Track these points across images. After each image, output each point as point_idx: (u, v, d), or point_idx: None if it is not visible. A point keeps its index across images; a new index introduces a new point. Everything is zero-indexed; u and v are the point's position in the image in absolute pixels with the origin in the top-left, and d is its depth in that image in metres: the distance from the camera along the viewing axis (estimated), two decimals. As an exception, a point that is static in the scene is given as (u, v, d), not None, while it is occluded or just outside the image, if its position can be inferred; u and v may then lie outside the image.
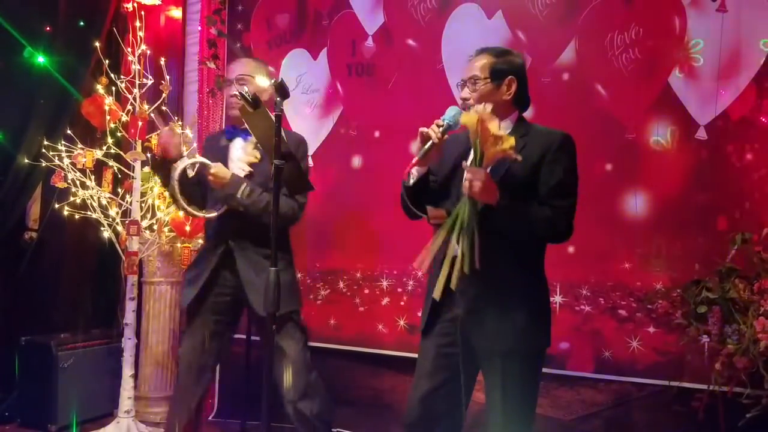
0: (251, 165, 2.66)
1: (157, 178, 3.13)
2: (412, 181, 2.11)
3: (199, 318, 2.69)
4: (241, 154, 2.68)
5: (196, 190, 2.69)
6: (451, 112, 2.06)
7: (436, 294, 2.02)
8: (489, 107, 1.96)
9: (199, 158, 2.65)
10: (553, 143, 2.06)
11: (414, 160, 2.03)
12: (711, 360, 2.60)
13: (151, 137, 3.53)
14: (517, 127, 2.13)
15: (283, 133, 2.01)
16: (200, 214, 2.65)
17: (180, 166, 2.56)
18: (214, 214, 2.64)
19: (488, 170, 1.98)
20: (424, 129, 2.03)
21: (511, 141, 1.92)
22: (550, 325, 2.14)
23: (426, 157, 2.03)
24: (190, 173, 2.64)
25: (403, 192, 2.13)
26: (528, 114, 3.18)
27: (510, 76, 2.10)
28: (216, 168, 2.55)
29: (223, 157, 2.69)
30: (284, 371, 2.61)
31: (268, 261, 2.00)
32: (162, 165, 2.61)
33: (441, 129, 2.02)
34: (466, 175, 1.97)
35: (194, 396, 2.70)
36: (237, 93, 2.11)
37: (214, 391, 3.88)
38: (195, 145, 3.88)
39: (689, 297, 2.66)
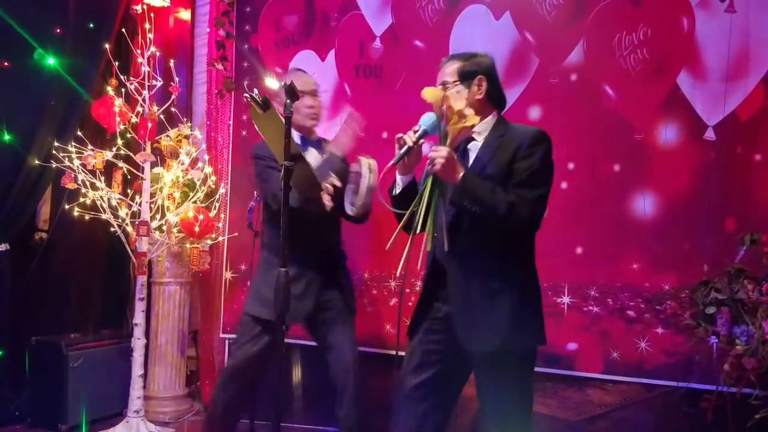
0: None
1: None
2: (397, 190, 2.16)
3: (266, 329, 2.74)
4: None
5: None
6: (426, 117, 2.07)
7: (399, 270, 2.00)
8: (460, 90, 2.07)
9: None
10: (526, 139, 2.07)
11: (388, 165, 2.05)
12: (720, 361, 2.59)
13: (160, 138, 3.55)
14: (496, 127, 2.15)
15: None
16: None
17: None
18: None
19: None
20: (400, 135, 2.06)
21: (475, 119, 1.98)
22: (542, 322, 2.15)
23: (404, 163, 2.08)
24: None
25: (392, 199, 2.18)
26: (536, 114, 3.24)
27: (479, 76, 2.13)
28: None
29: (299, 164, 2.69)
30: (350, 371, 2.70)
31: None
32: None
33: (416, 134, 2.04)
34: (430, 153, 2.00)
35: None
36: (247, 96, 2.12)
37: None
38: (204, 146, 3.89)
39: (698, 298, 2.65)
